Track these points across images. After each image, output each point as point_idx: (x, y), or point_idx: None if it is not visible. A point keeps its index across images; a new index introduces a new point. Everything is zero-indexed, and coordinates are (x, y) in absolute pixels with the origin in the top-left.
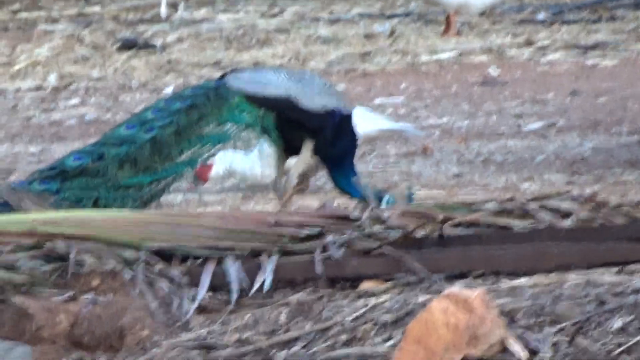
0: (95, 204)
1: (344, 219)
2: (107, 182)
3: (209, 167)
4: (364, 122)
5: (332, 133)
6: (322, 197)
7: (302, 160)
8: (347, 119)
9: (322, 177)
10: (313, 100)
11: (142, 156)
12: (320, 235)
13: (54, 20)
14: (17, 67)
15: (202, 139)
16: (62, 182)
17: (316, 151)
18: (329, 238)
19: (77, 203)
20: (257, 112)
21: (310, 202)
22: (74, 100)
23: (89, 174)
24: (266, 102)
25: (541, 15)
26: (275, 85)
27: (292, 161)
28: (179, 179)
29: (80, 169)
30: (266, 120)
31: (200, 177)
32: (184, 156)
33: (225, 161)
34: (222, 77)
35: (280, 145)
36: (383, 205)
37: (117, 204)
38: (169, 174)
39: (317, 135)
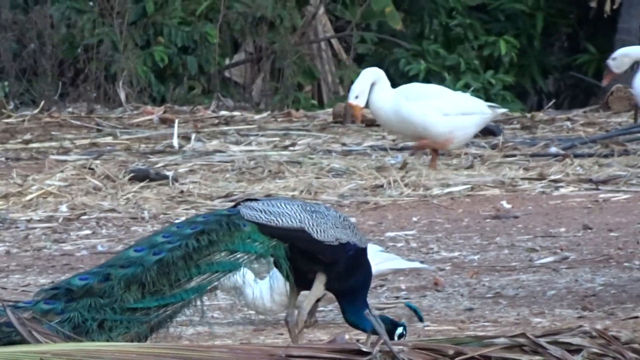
0: (101, 326)
1: (355, 353)
2: (113, 304)
3: None
4: (375, 261)
5: (345, 266)
6: (332, 330)
7: (314, 293)
8: (361, 252)
9: (332, 311)
10: (327, 232)
11: (149, 278)
12: None
13: (66, 151)
14: (28, 197)
15: (212, 266)
16: (68, 302)
17: (329, 284)
18: None
19: (82, 324)
20: (268, 242)
21: (321, 336)
22: (86, 231)
23: (94, 294)
24: (279, 232)
25: (553, 149)
26: (289, 216)
27: (304, 295)
28: (187, 306)
29: (86, 289)
30: (278, 250)
31: None
32: (193, 283)
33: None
34: (235, 205)
35: (292, 277)
36: (395, 339)
37: (122, 327)
38: (177, 300)
39: (330, 268)
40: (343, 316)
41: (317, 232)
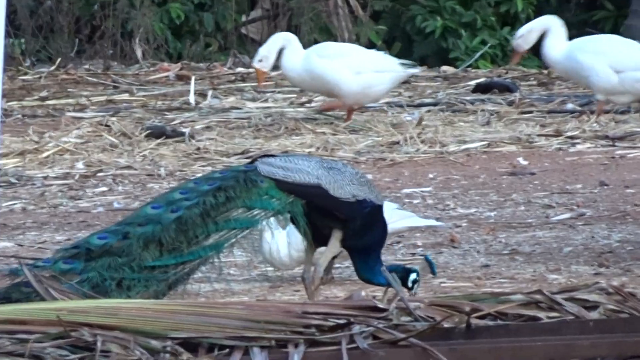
0: (119, 285)
1: (372, 309)
2: (131, 262)
3: None
4: (392, 219)
5: (361, 223)
6: (349, 287)
7: (330, 250)
8: (377, 209)
9: (349, 267)
10: (344, 189)
11: (167, 236)
12: (347, 326)
13: (82, 108)
14: (44, 155)
15: (230, 223)
16: (87, 261)
17: (344, 241)
18: (356, 329)
19: (101, 283)
20: (286, 198)
21: (337, 293)
22: (102, 188)
23: (113, 253)
24: (297, 188)
25: (570, 105)
26: (307, 172)
27: (320, 252)
28: (205, 263)
29: (105, 248)
30: (295, 207)
31: None
32: (211, 240)
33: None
34: (252, 161)
35: (309, 234)
36: (410, 285)
37: (141, 285)
38: (195, 257)
39: (347, 225)
40: (356, 273)
41: (334, 188)
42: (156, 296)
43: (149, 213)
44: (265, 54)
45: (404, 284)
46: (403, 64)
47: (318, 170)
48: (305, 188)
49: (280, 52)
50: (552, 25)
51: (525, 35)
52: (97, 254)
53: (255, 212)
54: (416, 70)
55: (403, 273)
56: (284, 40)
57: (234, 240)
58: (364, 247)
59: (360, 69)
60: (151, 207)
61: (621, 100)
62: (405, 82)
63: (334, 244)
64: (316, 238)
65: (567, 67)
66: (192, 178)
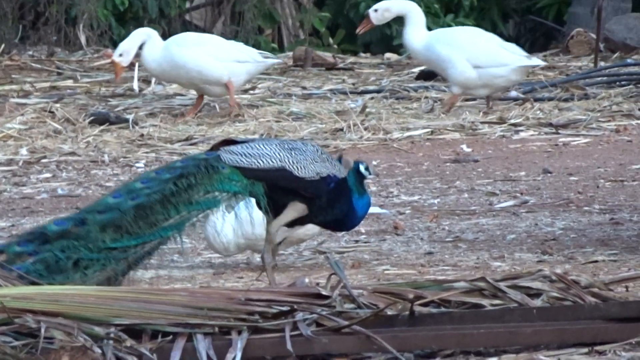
0: (76, 265)
1: (315, 296)
2: (88, 244)
3: None
4: None
5: (327, 200)
6: (292, 274)
7: (284, 216)
8: (342, 182)
9: (292, 255)
10: (307, 168)
11: (125, 221)
12: (290, 313)
13: (26, 94)
14: None
15: (191, 206)
16: (42, 244)
17: (314, 218)
18: (299, 316)
19: (55, 263)
20: (246, 181)
21: (281, 280)
22: (46, 175)
23: (69, 237)
24: (262, 174)
25: (513, 93)
26: (269, 156)
27: (290, 232)
28: (165, 242)
29: (61, 233)
30: (256, 188)
31: None
32: (172, 221)
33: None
34: (212, 149)
35: (271, 214)
36: (365, 173)
37: (99, 264)
38: (155, 237)
39: (313, 202)
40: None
41: (297, 169)
42: (115, 275)
43: (109, 202)
44: (126, 49)
45: (362, 179)
46: (262, 54)
47: (280, 152)
48: (269, 172)
49: (141, 47)
50: (411, 12)
51: (380, 11)
52: (52, 238)
53: (217, 194)
54: (276, 61)
55: (356, 174)
56: (144, 35)
57: (195, 220)
58: (334, 220)
59: (220, 57)
60: (112, 197)
61: (479, 93)
62: (349, 68)
63: (289, 212)
64: (276, 215)
65: (427, 58)
66: (154, 168)
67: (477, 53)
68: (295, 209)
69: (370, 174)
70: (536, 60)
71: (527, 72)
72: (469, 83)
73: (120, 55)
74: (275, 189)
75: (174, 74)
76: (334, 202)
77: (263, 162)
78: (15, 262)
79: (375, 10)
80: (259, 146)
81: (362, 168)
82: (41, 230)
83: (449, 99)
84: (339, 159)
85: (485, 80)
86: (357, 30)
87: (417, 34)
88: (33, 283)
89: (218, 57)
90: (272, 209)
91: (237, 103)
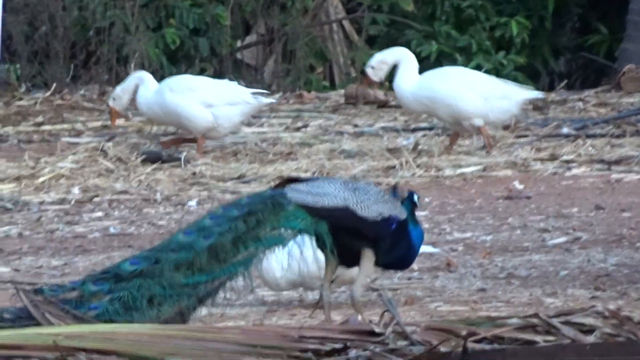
0: (150, 302)
1: (368, 333)
2: (162, 281)
3: None
4: None
5: (391, 242)
6: (345, 311)
7: (364, 274)
8: (403, 224)
9: (345, 292)
10: (370, 208)
11: (198, 260)
12: (344, 350)
13: (78, 133)
14: (41, 180)
15: (259, 242)
16: (116, 283)
17: (380, 261)
18: (353, 353)
19: (132, 302)
20: (311, 218)
21: (334, 317)
22: (98, 213)
23: (144, 276)
24: (326, 212)
25: (565, 130)
26: (333, 195)
27: (343, 271)
28: (233, 278)
29: (135, 273)
30: (320, 226)
31: None
32: (240, 257)
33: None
34: (277, 186)
35: (335, 251)
36: (416, 200)
37: (172, 301)
38: (225, 273)
39: (376, 244)
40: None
41: (361, 208)
42: (187, 310)
43: (181, 240)
44: (119, 94)
45: (414, 207)
46: (255, 94)
47: (344, 192)
48: (333, 211)
49: (136, 91)
50: (405, 58)
51: (376, 66)
52: (126, 278)
53: (282, 231)
54: (270, 101)
55: (411, 204)
56: (138, 79)
57: (261, 256)
58: (394, 261)
59: (211, 101)
60: (183, 234)
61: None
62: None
63: (367, 266)
64: (342, 258)
65: (426, 98)
66: (220, 205)
67: (483, 84)
68: (369, 259)
69: (419, 205)
70: (536, 93)
71: (525, 105)
72: (482, 112)
73: (114, 99)
74: (339, 230)
75: (166, 119)
76: (396, 243)
77: (327, 200)
78: (91, 301)
79: (373, 67)
80: (324, 185)
81: (415, 198)
82: (115, 270)
83: (485, 136)
84: (394, 189)
85: (489, 111)
86: (359, 87)
87: (408, 76)
88: (84, 320)
89: (209, 102)
90: (338, 253)
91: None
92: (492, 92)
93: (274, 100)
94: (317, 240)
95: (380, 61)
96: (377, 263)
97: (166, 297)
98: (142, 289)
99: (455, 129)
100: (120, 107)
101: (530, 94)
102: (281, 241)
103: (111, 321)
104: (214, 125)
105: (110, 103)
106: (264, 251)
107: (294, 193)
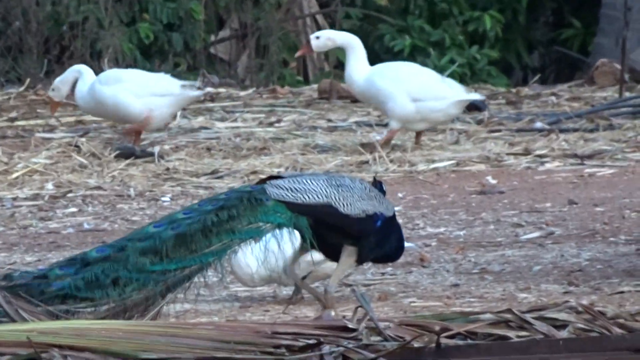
0: (115, 282)
1: (342, 329)
2: (128, 267)
3: None
4: None
5: (376, 239)
6: (319, 307)
7: (341, 269)
8: (389, 220)
9: (318, 287)
10: (354, 205)
11: (165, 248)
12: (317, 346)
13: (52, 129)
14: (14, 175)
15: (234, 234)
16: (83, 267)
17: (362, 258)
18: (326, 349)
19: (95, 280)
20: (290, 213)
21: (307, 312)
22: (72, 209)
23: (110, 261)
24: (306, 209)
25: (538, 124)
26: (315, 192)
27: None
28: (206, 267)
29: (102, 258)
30: (300, 221)
31: None
32: (213, 247)
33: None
34: (259, 182)
35: (316, 246)
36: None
37: (138, 284)
38: (196, 262)
39: (361, 242)
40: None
41: (344, 206)
42: (154, 296)
43: (149, 231)
44: (58, 85)
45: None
46: (184, 86)
47: (327, 188)
48: (315, 208)
49: (74, 84)
50: (354, 45)
51: (322, 39)
52: (92, 262)
53: (260, 224)
54: (198, 93)
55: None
56: (77, 72)
57: (237, 247)
58: (383, 255)
59: (140, 93)
60: (153, 226)
61: (417, 127)
62: None
63: (346, 262)
64: (327, 254)
65: (367, 91)
66: (198, 201)
67: (418, 87)
68: (349, 256)
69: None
70: (474, 95)
71: (464, 106)
72: (408, 117)
73: (53, 90)
74: (322, 226)
75: (100, 111)
76: (382, 241)
77: (309, 197)
78: (53, 282)
79: (317, 38)
80: (306, 181)
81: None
82: (82, 256)
83: (386, 136)
84: (376, 182)
85: (423, 114)
86: (295, 55)
87: (359, 67)
88: (58, 317)
89: (137, 93)
90: (320, 246)
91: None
92: (425, 94)
93: (203, 92)
94: (298, 234)
95: (328, 37)
96: (361, 260)
97: (132, 280)
98: (107, 271)
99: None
100: (59, 98)
101: (467, 95)
102: (258, 234)
103: (70, 297)
104: (146, 116)
105: (50, 94)
106: (239, 243)
107: (274, 189)
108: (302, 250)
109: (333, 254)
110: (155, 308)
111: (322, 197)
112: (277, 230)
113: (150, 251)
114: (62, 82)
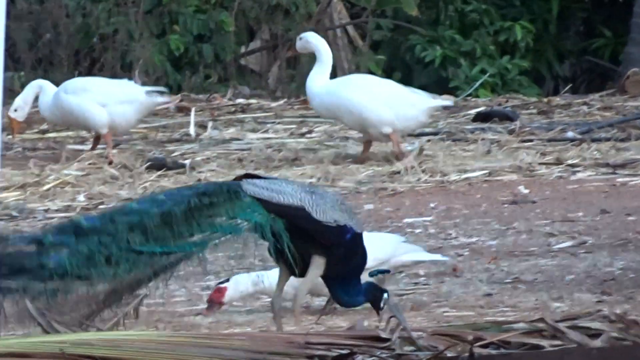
0: (108, 260)
1: (375, 339)
2: (119, 242)
3: (223, 291)
4: (398, 251)
5: (344, 251)
6: (352, 317)
7: (310, 278)
8: (358, 237)
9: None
10: (326, 213)
11: (151, 225)
12: (350, 356)
13: (83, 140)
14: (46, 187)
15: (214, 227)
16: (77, 236)
17: (328, 270)
18: (359, 358)
19: (89, 259)
20: (268, 214)
21: (340, 322)
22: None
23: (101, 233)
24: (280, 209)
25: (570, 134)
26: (290, 194)
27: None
28: (189, 257)
29: (93, 227)
30: (277, 223)
31: (215, 302)
32: (195, 238)
33: (240, 283)
34: (236, 179)
35: (293, 250)
36: (382, 304)
37: (129, 264)
38: (180, 249)
39: (330, 252)
40: (335, 299)
41: (316, 211)
42: (142, 280)
43: (133, 207)
44: (20, 104)
45: (378, 303)
46: (149, 93)
47: (301, 193)
48: (289, 209)
49: (36, 99)
50: (323, 55)
51: (303, 40)
52: (85, 232)
53: (239, 221)
54: (164, 99)
55: (377, 292)
56: (37, 87)
57: (217, 242)
58: (345, 276)
59: (105, 101)
60: (136, 203)
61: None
62: None
63: (314, 271)
64: (293, 266)
65: (330, 102)
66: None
67: (389, 94)
68: (318, 266)
69: (381, 308)
70: (443, 101)
71: (433, 113)
72: (387, 120)
73: (15, 110)
74: (294, 232)
75: (66, 120)
76: (349, 255)
77: (283, 198)
78: (50, 252)
79: (300, 39)
80: (281, 184)
81: (385, 296)
82: (74, 223)
83: (395, 143)
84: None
85: (395, 119)
86: (287, 53)
87: (320, 79)
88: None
89: (101, 101)
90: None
91: (111, 153)
92: (397, 101)
93: (167, 99)
94: (274, 239)
95: (307, 40)
96: (328, 273)
97: (122, 259)
98: (100, 246)
99: (365, 137)
100: (22, 118)
101: (437, 102)
102: (237, 231)
103: (67, 274)
104: (111, 123)
105: (12, 114)
106: (220, 237)
107: (250, 186)
108: (284, 274)
109: (301, 268)
110: (140, 296)
111: (296, 199)
112: (255, 233)
113: (138, 227)
114: (24, 100)
